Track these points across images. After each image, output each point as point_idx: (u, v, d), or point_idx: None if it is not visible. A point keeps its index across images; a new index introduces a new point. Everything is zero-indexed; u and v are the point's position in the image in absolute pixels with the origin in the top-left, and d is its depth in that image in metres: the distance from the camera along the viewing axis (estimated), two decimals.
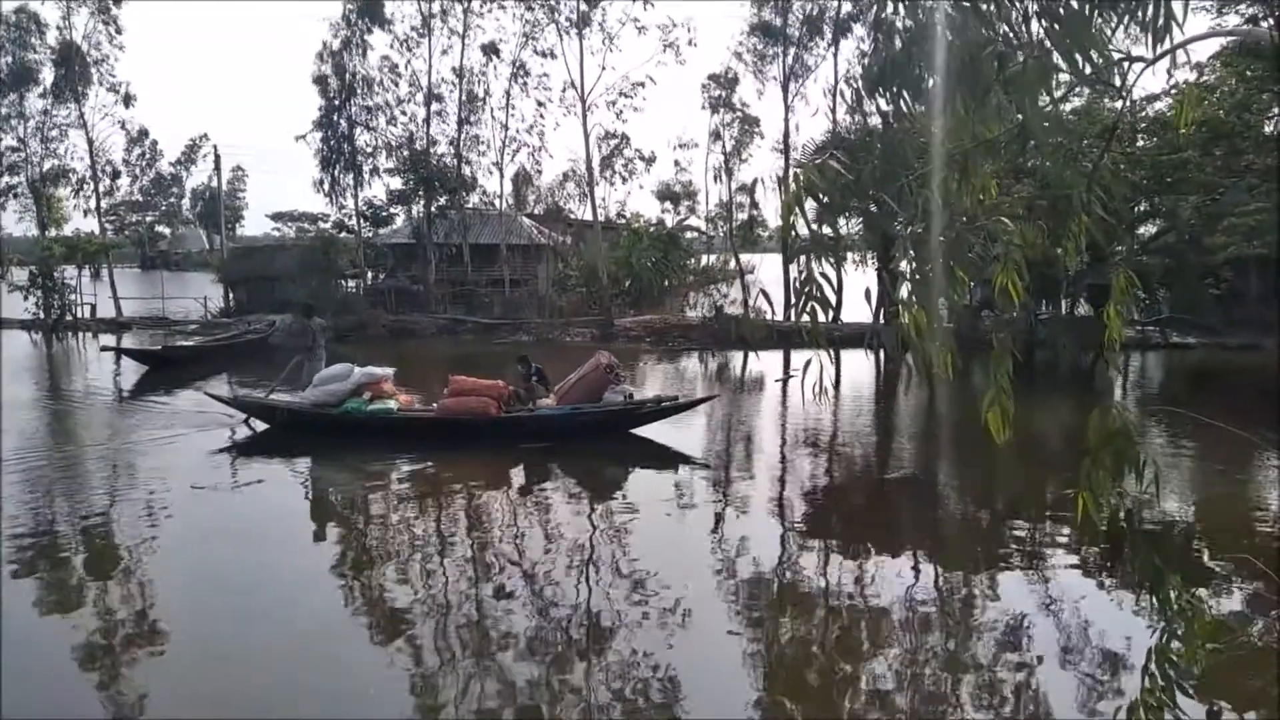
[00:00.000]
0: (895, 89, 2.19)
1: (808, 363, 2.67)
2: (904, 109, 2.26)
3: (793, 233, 2.36)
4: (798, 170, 2.40)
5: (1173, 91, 20.46)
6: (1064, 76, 2.45)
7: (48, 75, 32.25)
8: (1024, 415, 13.90)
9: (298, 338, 13.98)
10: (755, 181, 33.78)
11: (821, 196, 2.51)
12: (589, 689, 5.54)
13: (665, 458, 12.06)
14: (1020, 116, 2.27)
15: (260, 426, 12.85)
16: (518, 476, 11.01)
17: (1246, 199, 20.05)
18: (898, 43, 2.20)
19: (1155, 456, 2.50)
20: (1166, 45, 2.16)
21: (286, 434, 12.36)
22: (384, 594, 7.07)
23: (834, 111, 28.64)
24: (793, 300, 24.75)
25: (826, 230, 2.63)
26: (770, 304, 27.88)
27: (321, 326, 14.93)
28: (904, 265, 2.67)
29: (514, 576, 7.47)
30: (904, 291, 2.56)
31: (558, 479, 10.86)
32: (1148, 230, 24.22)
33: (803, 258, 2.56)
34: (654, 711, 5.23)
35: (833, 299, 2.61)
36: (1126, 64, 2.18)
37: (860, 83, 2.34)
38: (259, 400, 13.19)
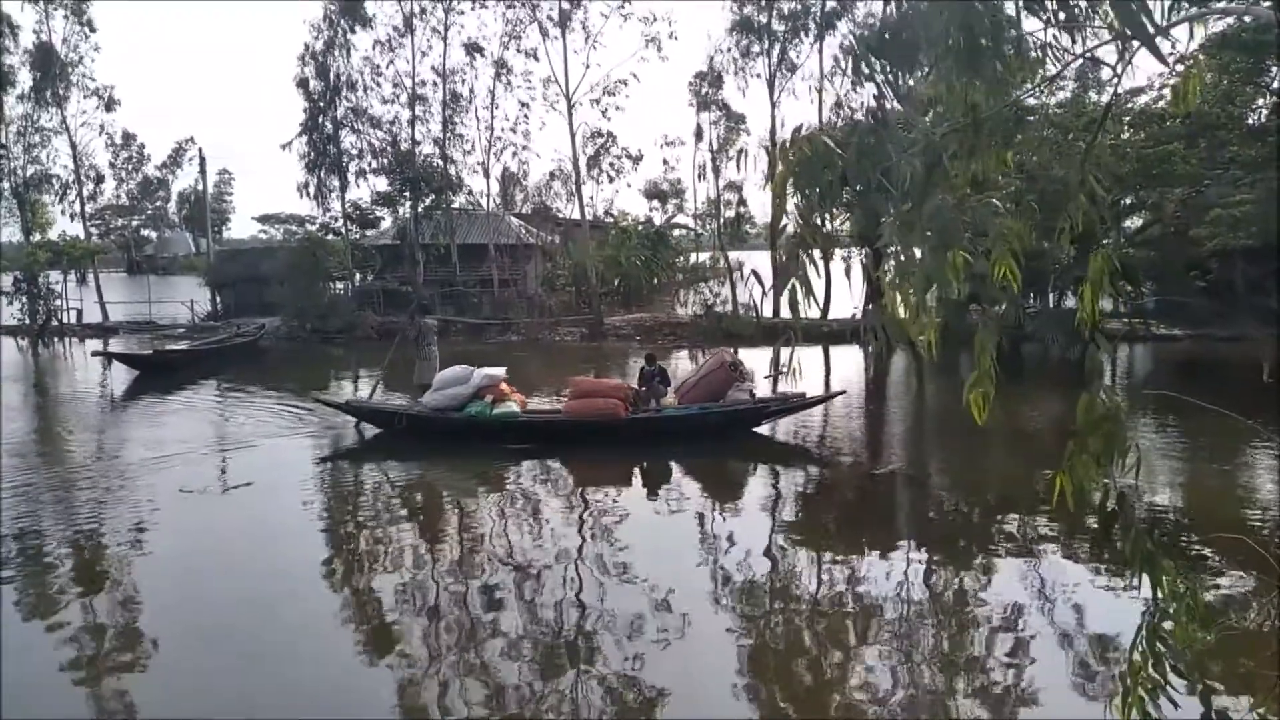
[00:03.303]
0: (890, 61, 2.18)
1: (787, 338, 2.67)
2: (897, 81, 2.25)
3: (783, 215, 2.34)
4: (786, 143, 2.38)
5: (1165, 74, 20.55)
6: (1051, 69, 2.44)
7: (25, 79, 31.86)
8: (1013, 408, 14.00)
9: (425, 336, 14.24)
10: (741, 152, 33.50)
11: (810, 190, 2.50)
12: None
13: (785, 455, 12.22)
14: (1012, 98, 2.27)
15: (370, 431, 12.73)
16: (638, 479, 11.09)
17: (1231, 191, 20.16)
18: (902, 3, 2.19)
19: (1146, 443, 2.50)
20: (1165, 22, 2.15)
21: (406, 438, 12.22)
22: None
23: (820, 108, 28.63)
24: (779, 287, 24.66)
25: (814, 217, 2.62)
26: (765, 288, 27.68)
27: (430, 326, 14.98)
28: (891, 248, 2.66)
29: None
30: (891, 267, 2.55)
31: (676, 479, 11.07)
32: (1133, 223, 24.35)
33: (789, 228, 2.55)
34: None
35: (818, 286, 2.62)
36: (1122, 42, 2.18)
37: (856, 49, 2.33)
38: (375, 406, 13.18)
